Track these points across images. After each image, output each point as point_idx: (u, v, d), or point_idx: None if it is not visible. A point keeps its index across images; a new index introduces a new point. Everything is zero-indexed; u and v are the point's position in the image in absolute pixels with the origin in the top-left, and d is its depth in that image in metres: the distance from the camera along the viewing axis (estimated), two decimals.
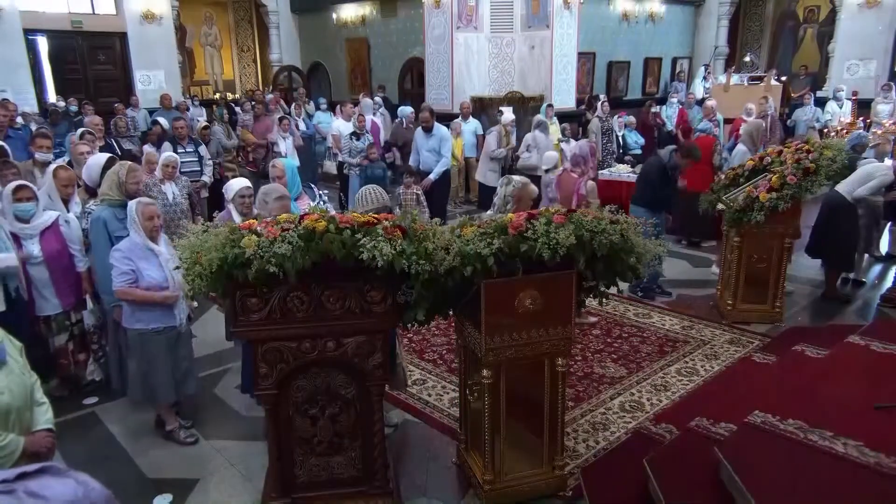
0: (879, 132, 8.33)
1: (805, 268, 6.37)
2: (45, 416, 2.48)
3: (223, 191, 4.35)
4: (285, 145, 8.78)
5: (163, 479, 3.51)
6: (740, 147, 6.77)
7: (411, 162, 8.18)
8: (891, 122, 9.57)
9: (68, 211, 4.38)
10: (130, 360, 3.80)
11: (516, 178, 4.06)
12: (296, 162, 8.39)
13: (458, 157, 9.89)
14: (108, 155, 4.76)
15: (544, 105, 10.19)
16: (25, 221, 3.97)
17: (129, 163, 4.21)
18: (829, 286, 5.97)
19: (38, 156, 5.36)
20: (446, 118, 10.26)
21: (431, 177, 7.76)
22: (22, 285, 3.97)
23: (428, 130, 8.03)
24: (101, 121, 7.66)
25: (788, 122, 11.79)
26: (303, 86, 15.17)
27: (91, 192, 4.53)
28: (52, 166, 4.61)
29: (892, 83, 11.35)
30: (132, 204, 3.68)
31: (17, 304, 3.93)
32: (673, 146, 6.24)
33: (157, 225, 3.69)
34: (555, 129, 9.41)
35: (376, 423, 3.07)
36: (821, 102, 11.87)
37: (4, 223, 3.92)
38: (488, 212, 4.17)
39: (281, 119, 9.25)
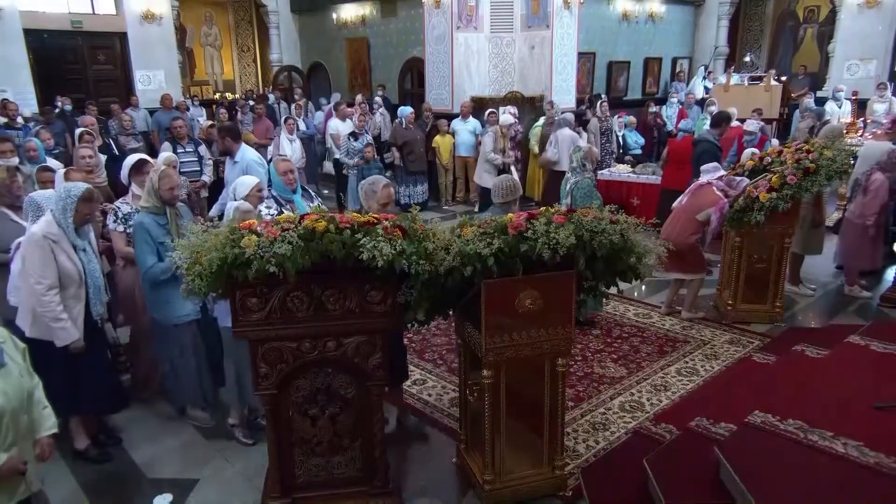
0: (879, 132, 8.31)
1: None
2: (49, 421, 2.47)
3: (232, 189, 4.13)
4: (291, 149, 8.69)
5: (163, 479, 3.50)
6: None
7: (216, 210, 5.59)
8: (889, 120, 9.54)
9: None
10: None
11: (583, 144, 5.33)
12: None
13: (444, 159, 9.95)
14: (139, 156, 4.51)
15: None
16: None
17: (163, 168, 3.90)
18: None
19: (1, 161, 5.03)
20: (446, 118, 10.28)
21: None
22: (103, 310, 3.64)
23: (230, 156, 5.75)
24: (94, 121, 7.61)
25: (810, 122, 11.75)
26: (303, 85, 15.15)
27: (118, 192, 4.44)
28: (62, 170, 4.54)
29: (888, 83, 11.35)
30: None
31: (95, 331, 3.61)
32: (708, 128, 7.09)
33: None
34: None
35: (376, 423, 3.07)
36: (820, 102, 11.86)
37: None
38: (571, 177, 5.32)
39: (286, 119, 9.23)
